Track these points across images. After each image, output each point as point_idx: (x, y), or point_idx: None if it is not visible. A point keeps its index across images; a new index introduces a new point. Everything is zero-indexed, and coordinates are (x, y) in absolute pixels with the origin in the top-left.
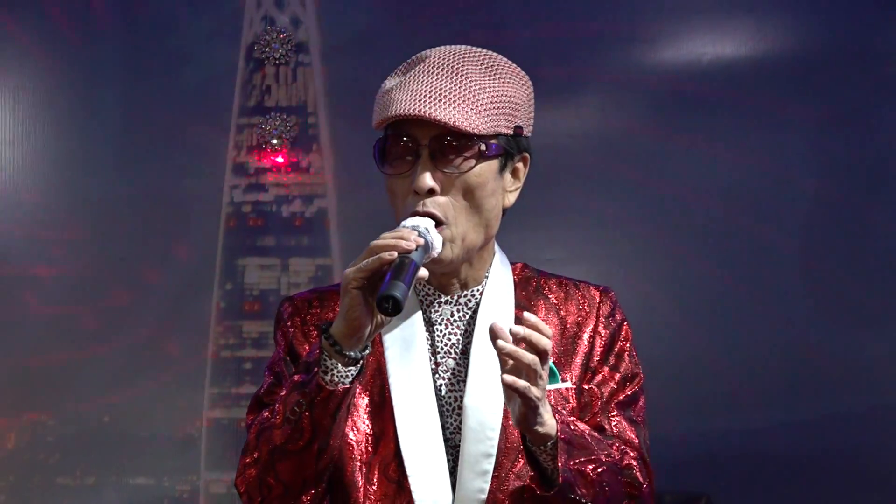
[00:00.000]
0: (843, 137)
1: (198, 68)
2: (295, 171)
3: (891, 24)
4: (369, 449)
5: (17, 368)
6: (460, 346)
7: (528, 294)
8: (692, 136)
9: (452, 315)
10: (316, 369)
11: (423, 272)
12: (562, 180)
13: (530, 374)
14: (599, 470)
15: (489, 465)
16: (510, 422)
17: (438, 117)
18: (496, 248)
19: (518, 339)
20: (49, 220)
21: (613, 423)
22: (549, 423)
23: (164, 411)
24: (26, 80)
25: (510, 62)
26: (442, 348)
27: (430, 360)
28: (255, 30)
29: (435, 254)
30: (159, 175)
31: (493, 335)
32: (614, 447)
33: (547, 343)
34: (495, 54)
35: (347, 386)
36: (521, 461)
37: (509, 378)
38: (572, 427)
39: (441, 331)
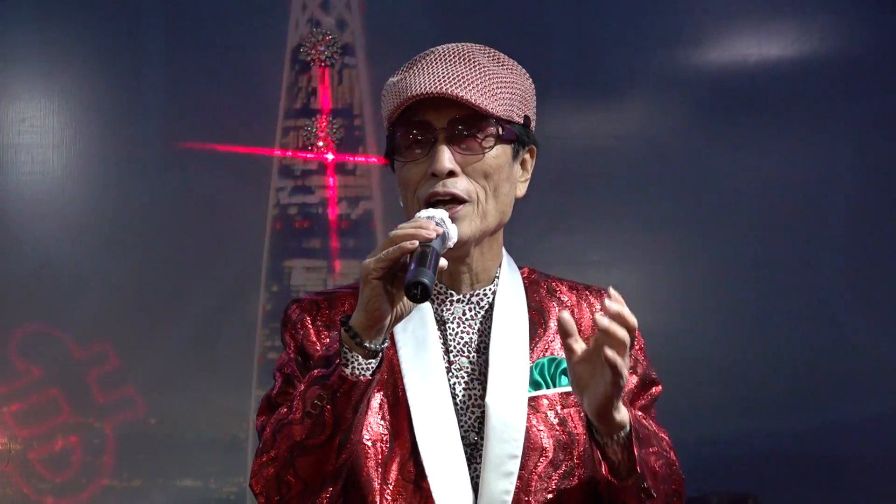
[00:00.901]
0: (889, 138)
1: (243, 71)
2: (341, 173)
3: None
4: (384, 449)
5: (63, 371)
6: (474, 345)
7: (540, 296)
8: (737, 137)
9: (465, 314)
10: (337, 361)
11: (443, 262)
12: (606, 182)
13: (621, 351)
14: (660, 462)
15: (514, 466)
16: (531, 423)
17: (461, 95)
18: (504, 250)
19: (611, 314)
20: (94, 223)
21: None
22: (623, 410)
23: (211, 414)
24: (71, 85)
25: (511, 59)
26: (455, 347)
27: (444, 358)
28: (301, 32)
29: (451, 244)
30: (205, 178)
31: (564, 328)
32: (664, 441)
33: (634, 321)
34: (498, 52)
35: (370, 378)
36: (544, 462)
37: (611, 352)
38: (638, 416)
39: (454, 329)
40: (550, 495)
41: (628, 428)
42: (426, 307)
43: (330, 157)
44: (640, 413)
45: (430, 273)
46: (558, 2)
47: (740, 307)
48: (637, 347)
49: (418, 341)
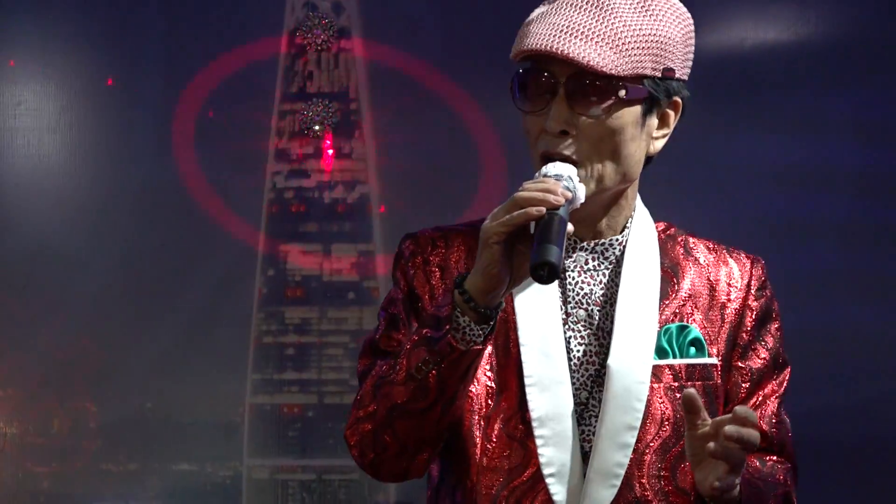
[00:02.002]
0: (886, 122)
1: (239, 55)
2: (337, 157)
3: None
4: (489, 402)
5: (59, 354)
6: (594, 298)
7: (675, 253)
8: (733, 121)
9: (587, 263)
10: (448, 327)
11: (570, 227)
12: None
13: (738, 463)
14: None
15: (632, 437)
16: (653, 393)
17: (571, 54)
18: (638, 200)
19: (734, 438)
20: (91, 207)
21: (773, 430)
22: (736, 484)
23: (207, 398)
24: (68, 69)
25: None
26: (573, 297)
27: (561, 309)
28: (297, 16)
29: (578, 205)
30: (202, 161)
31: (689, 406)
32: (779, 475)
33: (756, 437)
34: None
35: (480, 346)
36: (662, 437)
37: (724, 470)
38: (750, 473)
39: (574, 278)
40: (664, 473)
41: (738, 498)
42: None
43: (326, 142)
44: (748, 462)
45: (557, 251)
46: None
47: None
48: (777, 320)
49: (535, 288)
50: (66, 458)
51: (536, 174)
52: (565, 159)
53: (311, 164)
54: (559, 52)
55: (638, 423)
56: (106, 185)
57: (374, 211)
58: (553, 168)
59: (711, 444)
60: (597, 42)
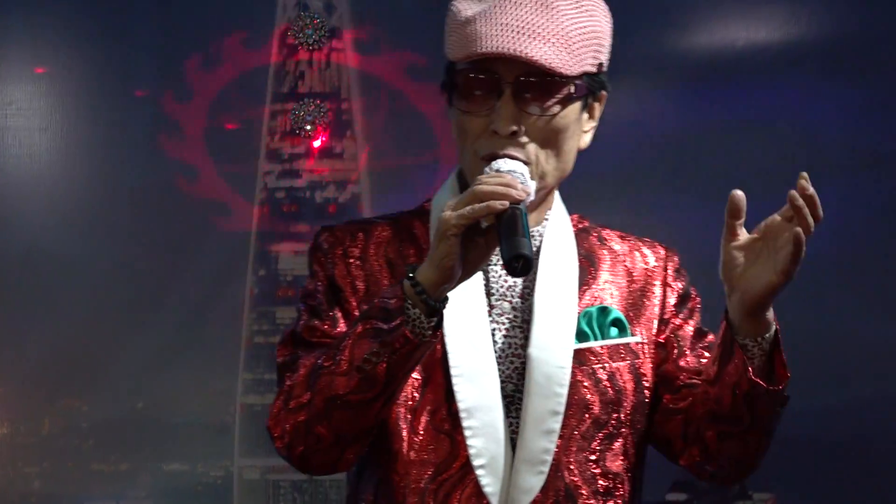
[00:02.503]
0: (876, 121)
1: (231, 55)
2: (328, 157)
3: None
4: (415, 395)
5: (50, 354)
6: (517, 290)
7: (590, 243)
8: (726, 119)
9: None
10: (400, 319)
11: None
12: (596, 167)
13: (806, 239)
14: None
15: (556, 423)
16: (576, 377)
17: (535, 56)
18: (557, 195)
19: (806, 196)
20: (82, 206)
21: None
22: (771, 310)
23: (198, 397)
24: (60, 68)
25: None
26: (497, 290)
27: (485, 301)
28: (289, 15)
29: (529, 201)
30: (192, 160)
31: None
32: None
33: (822, 213)
34: None
35: (432, 339)
36: (588, 421)
37: (799, 230)
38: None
39: (497, 271)
40: (592, 456)
41: (773, 330)
42: None
43: (317, 143)
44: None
45: (528, 242)
46: None
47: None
48: (698, 301)
49: None
50: (57, 457)
51: (487, 169)
52: (512, 159)
53: (303, 164)
54: (522, 53)
55: (561, 409)
56: (97, 185)
57: (366, 211)
58: (505, 164)
59: (797, 230)
60: (552, 42)
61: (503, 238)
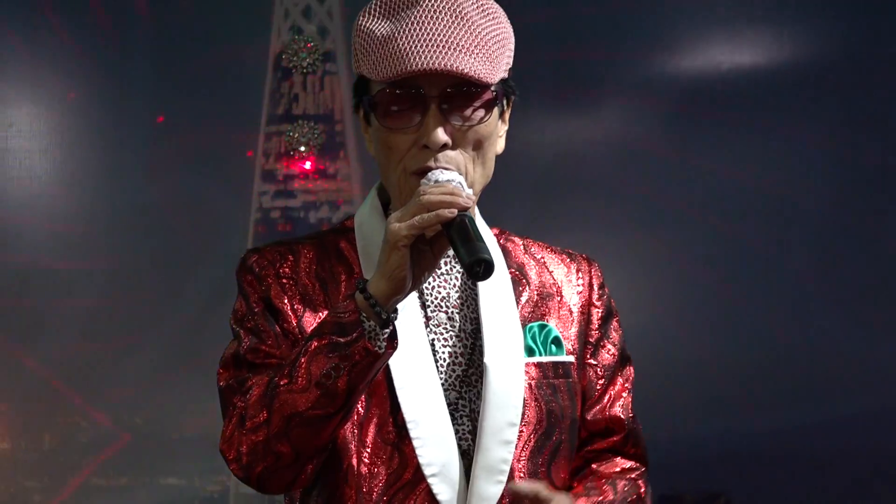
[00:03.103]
0: (858, 143)
1: (227, 78)
2: (322, 177)
3: None
4: (360, 409)
5: (50, 371)
6: (452, 301)
7: (517, 255)
8: (711, 141)
9: (441, 267)
10: (358, 331)
11: None
12: (580, 186)
13: None
14: None
15: (513, 434)
16: (527, 390)
17: (464, 70)
18: (476, 207)
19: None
20: (80, 226)
21: (631, 424)
22: None
23: (195, 414)
24: (59, 91)
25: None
26: (433, 301)
27: (421, 313)
28: (283, 39)
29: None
30: (189, 182)
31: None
32: (632, 496)
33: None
34: None
35: (391, 349)
36: (538, 432)
37: None
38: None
39: (430, 283)
40: (542, 468)
41: None
42: None
43: (308, 165)
44: (607, 500)
45: (485, 246)
46: (538, 13)
47: (714, 309)
48: (617, 316)
49: None
50: (57, 472)
51: (424, 182)
52: (446, 171)
53: (297, 184)
54: (453, 68)
55: (518, 420)
56: (95, 205)
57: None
58: (442, 175)
59: None
60: (474, 53)
61: (460, 245)
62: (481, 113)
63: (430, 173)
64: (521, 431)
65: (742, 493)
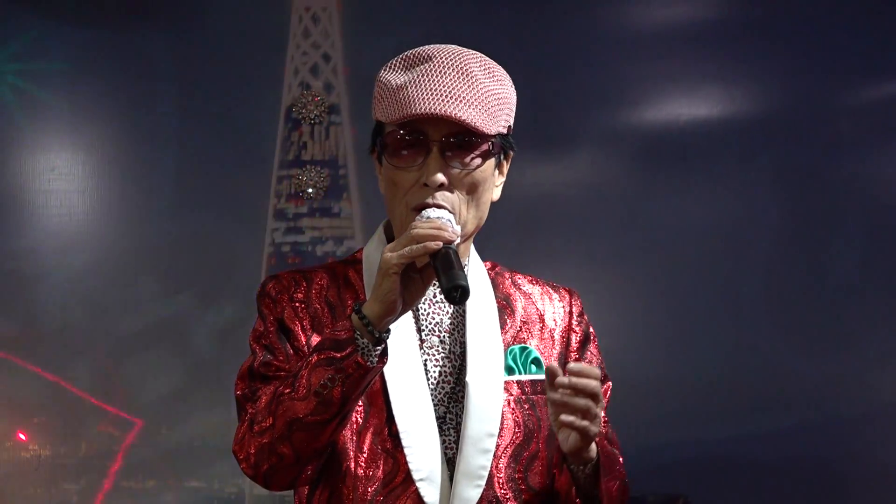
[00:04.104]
0: (800, 186)
1: (243, 127)
2: (327, 216)
3: (839, 90)
4: (359, 419)
5: (87, 387)
6: (445, 326)
7: (505, 287)
8: (671, 184)
9: (435, 296)
10: (352, 347)
11: None
12: (557, 224)
13: (587, 415)
14: (616, 484)
15: (492, 444)
16: (506, 405)
17: (461, 117)
18: (471, 243)
19: (567, 387)
20: (115, 259)
21: (609, 430)
22: (593, 447)
23: (215, 424)
24: (95, 139)
25: (496, 63)
26: (427, 326)
27: (416, 336)
28: (293, 94)
29: (458, 242)
30: (210, 220)
31: (550, 377)
32: (619, 459)
33: (595, 386)
34: (485, 56)
35: (381, 364)
36: (516, 442)
37: (567, 418)
38: (603, 445)
39: (426, 310)
40: (518, 475)
41: (596, 460)
42: None
43: (315, 205)
44: (600, 439)
45: (464, 275)
46: (517, 70)
47: (674, 332)
48: (596, 342)
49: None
50: (93, 476)
51: (418, 218)
52: (439, 208)
53: (305, 222)
54: (451, 114)
55: (496, 430)
56: (128, 240)
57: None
58: (434, 212)
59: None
60: (474, 105)
61: (441, 272)
62: (478, 161)
63: (424, 211)
64: (499, 441)
65: (699, 495)
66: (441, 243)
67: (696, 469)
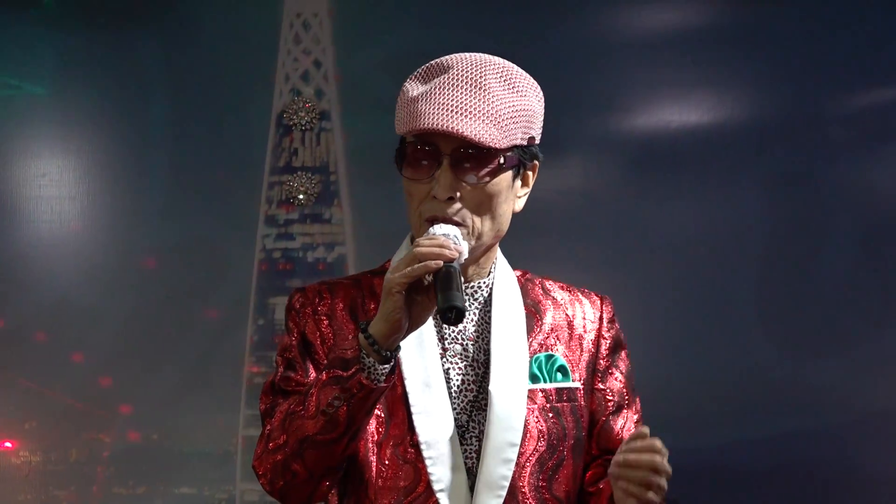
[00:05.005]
0: (791, 191)
1: (234, 133)
2: (318, 222)
3: (830, 97)
4: (380, 430)
5: (77, 393)
6: (468, 334)
7: (535, 293)
8: (662, 191)
9: None
10: (357, 367)
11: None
12: (549, 230)
13: (649, 486)
14: None
15: (513, 453)
16: (530, 413)
17: (464, 132)
18: (499, 251)
19: (623, 465)
20: (105, 265)
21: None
22: None
23: (205, 430)
24: (86, 144)
25: (525, 73)
26: (449, 335)
27: (438, 345)
28: (284, 100)
29: (464, 259)
30: (201, 226)
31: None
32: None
33: (653, 461)
34: (511, 65)
35: (385, 384)
36: (540, 451)
37: (627, 487)
38: None
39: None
40: (542, 483)
41: None
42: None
43: (306, 211)
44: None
45: (461, 296)
46: None
47: (665, 339)
48: (626, 348)
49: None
50: (82, 482)
51: (426, 234)
52: (450, 221)
53: (296, 228)
54: (454, 130)
55: (518, 440)
56: (118, 247)
57: (351, 269)
58: (440, 228)
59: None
60: (482, 119)
61: (438, 292)
62: (487, 176)
63: (431, 227)
64: (521, 451)
65: (692, 501)
66: (441, 262)
67: (688, 476)
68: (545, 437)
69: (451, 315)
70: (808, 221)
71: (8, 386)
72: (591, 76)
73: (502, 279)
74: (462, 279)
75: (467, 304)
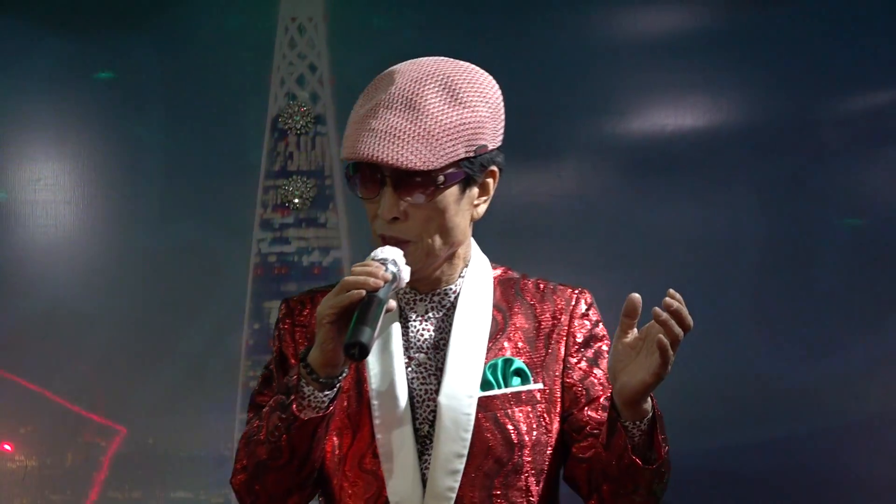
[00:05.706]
0: (785, 195)
1: (230, 137)
2: (314, 226)
3: (825, 100)
4: (346, 441)
5: (72, 397)
6: (431, 342)
7: (508, 294)
8: (657, 194)
9: (427, 312)
10: (293, 397)
11: (392, 304)
12: (545, 234)
13: (673, 346)
14: (667, 449)
15: (460, 464)
16: (481, 422)
17: (391, 161)
18: (473, 252)
19: (671, 311)
20: (100, 269)
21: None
22: (648, 402)
23: (201, 434)
24: (82, 148)
25: (476, 77)
26: (415, 343)
27: (404, 354)
28: (280, 104)
29: (403, 284)
30: (197, 230)
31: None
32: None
33: (691, 321)
34: (461, 73)
35: (321, 414)
36: (491, 460)
37: (666, 340)
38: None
39: (416, 326)
40: (496, 491)
41: (651, 414)
42: (393, 304)
43: (301, 216)
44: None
45: (369, 331)
46: (502, 81)
47: None
48: (603, 342)
49: (383, 337)
50: (79, 486)
51: (367, 258)
52: (398, 240)
53: (291, 232)
54: (383, 160)
55: (465, 451)
56: (114, 250)
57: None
58: (381, 252)
59: (661, 336)
60: (413, 142)
61: (353, 324)
62: (427, 195)
63: (374, 251)
64: (472, 460)
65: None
66: (364, 292)
67: (682, 480)
68: (497, 445)
69: (355, 352)
70: (804, 225)
71: (4, 390)
72: (586, 80)
73: (472, 283)
74: (382, 309)
75: (435, 311)
